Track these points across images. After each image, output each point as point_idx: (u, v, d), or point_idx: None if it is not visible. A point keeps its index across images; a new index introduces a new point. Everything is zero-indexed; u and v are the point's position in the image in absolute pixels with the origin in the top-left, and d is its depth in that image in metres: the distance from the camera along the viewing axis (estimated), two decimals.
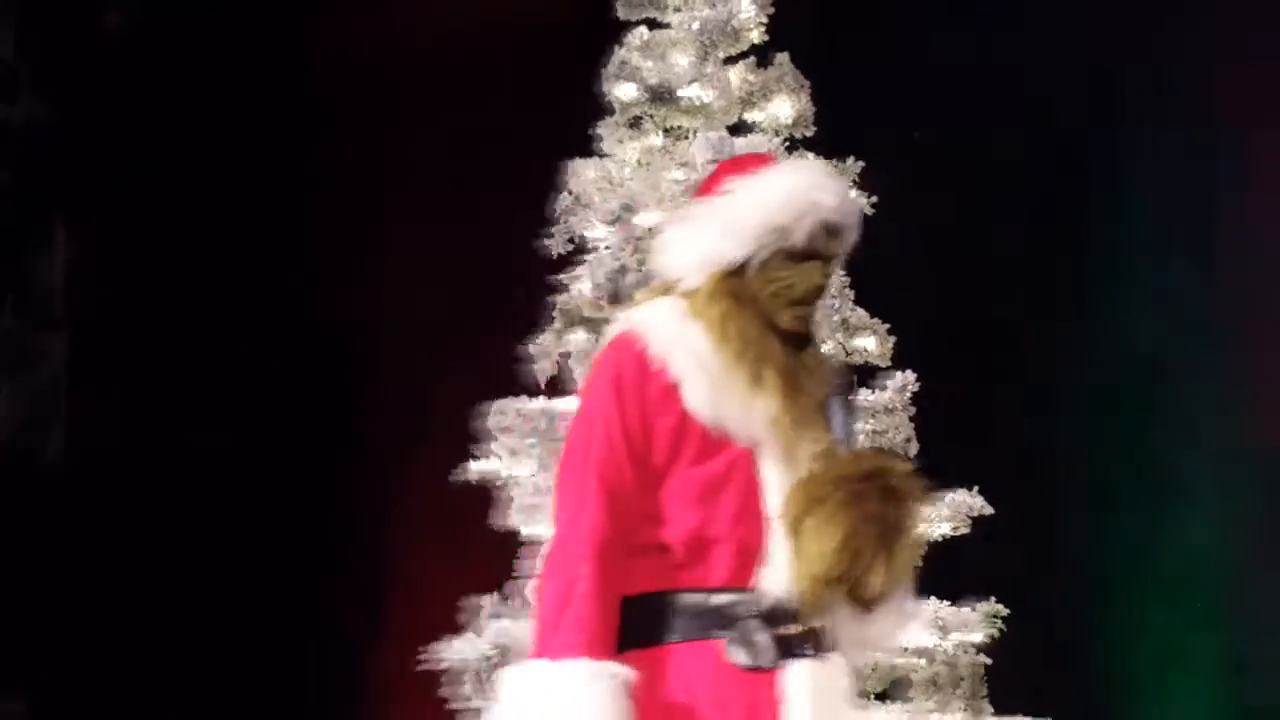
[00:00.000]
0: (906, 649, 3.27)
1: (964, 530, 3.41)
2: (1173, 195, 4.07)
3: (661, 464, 2.30)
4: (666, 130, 3.83)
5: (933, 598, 3.34)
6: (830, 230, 2.35)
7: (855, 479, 2.26)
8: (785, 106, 3.82)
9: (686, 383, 2.28)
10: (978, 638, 3.35)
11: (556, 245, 3.81)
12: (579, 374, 3.72)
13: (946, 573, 3.17)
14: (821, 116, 3.82)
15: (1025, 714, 3.33)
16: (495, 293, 4.32)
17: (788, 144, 3.81)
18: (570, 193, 3.79)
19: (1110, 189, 4.24)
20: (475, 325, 4.38)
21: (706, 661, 2.28)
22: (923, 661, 3.32)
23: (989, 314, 4.20)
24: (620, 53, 3.80)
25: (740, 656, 2.29)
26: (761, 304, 2.32)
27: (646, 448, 2.29)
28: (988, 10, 4.30)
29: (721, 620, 2.30)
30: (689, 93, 3.78)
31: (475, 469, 3.77)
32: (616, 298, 3.73)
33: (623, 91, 3.81)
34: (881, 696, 3.36)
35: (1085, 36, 4.26)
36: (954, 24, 4.34)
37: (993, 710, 3.38)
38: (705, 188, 2.43)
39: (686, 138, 3.81)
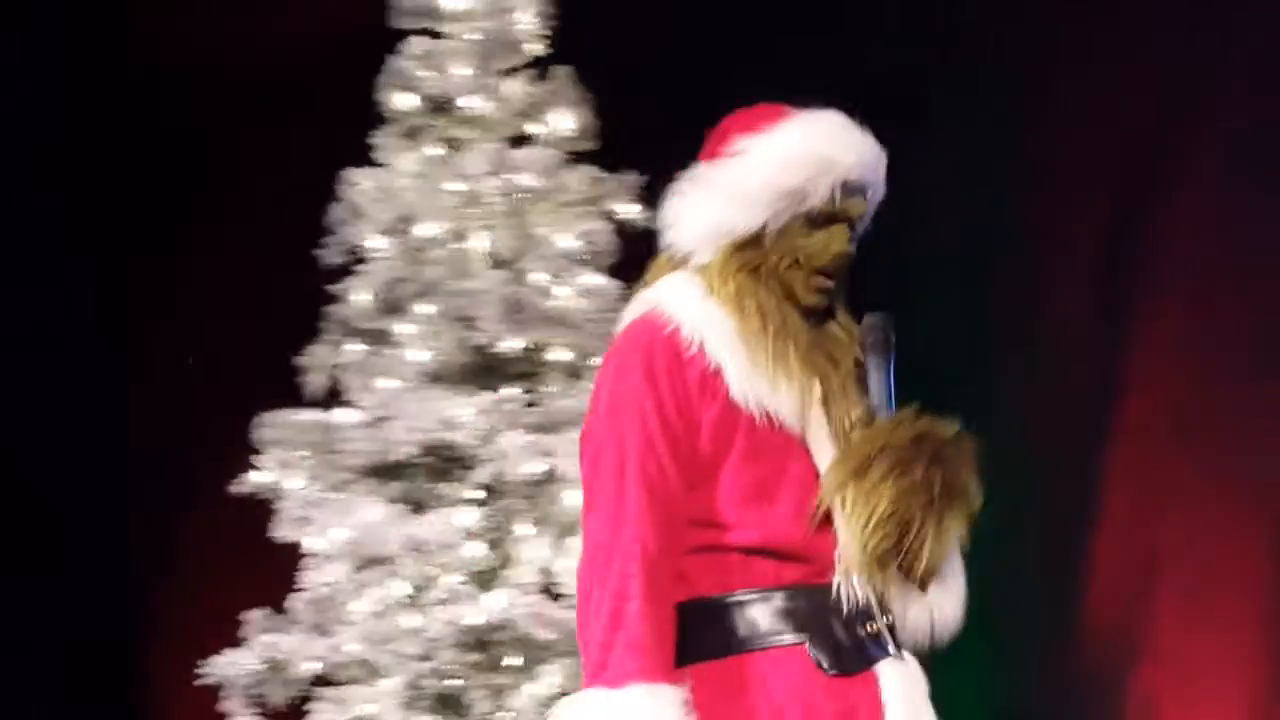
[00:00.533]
0: None
1: None
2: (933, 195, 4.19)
3: (708, 460, 2.08)
4: (445, 141, 3.83)
5: None
6: (851, 189, 2.13)
7: (898, 445, 2.07)
8: (566, 119, 3.84)
9: (728, 368, 2.06)
10: None
11: (333, 255, 3.78)
12: (354, 386, 3.72)
13: None
14: (606, 130, 3.85)
15: None
16: (274, 301, 4.29)
17: (570, 158, 3.84)
18: (347, 203, 3.77)
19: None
20: (255, 334, 4.34)
21: (788, 669, 2.08)
22: None
23: None
24: (398, 62, 3.79)
25: (833, 661, 2.09)
26: (780, 277, 2.11)
27: (691, 441, 2.06)
28: (780, 19, 4.36)
29: (797, 622, 2.09)
30: (468, 104, 3.77)
31: (251, 480, 3.73)
32: (392, 309, 3.72)
33: (400, 101, 3.79)
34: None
35: (869, 47, 4.34)
36: (748, 33, 4.41)
37: None
38: (712, 149, 2.18)
39: (465, 149, 3.82)
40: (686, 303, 2.08)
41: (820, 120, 2.15)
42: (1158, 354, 3.98)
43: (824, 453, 2.08)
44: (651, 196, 3.63)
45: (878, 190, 2.14)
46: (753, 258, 2.07)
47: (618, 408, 2.05)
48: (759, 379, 2.05)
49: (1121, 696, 3.90)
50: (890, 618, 2.09)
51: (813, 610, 2.06)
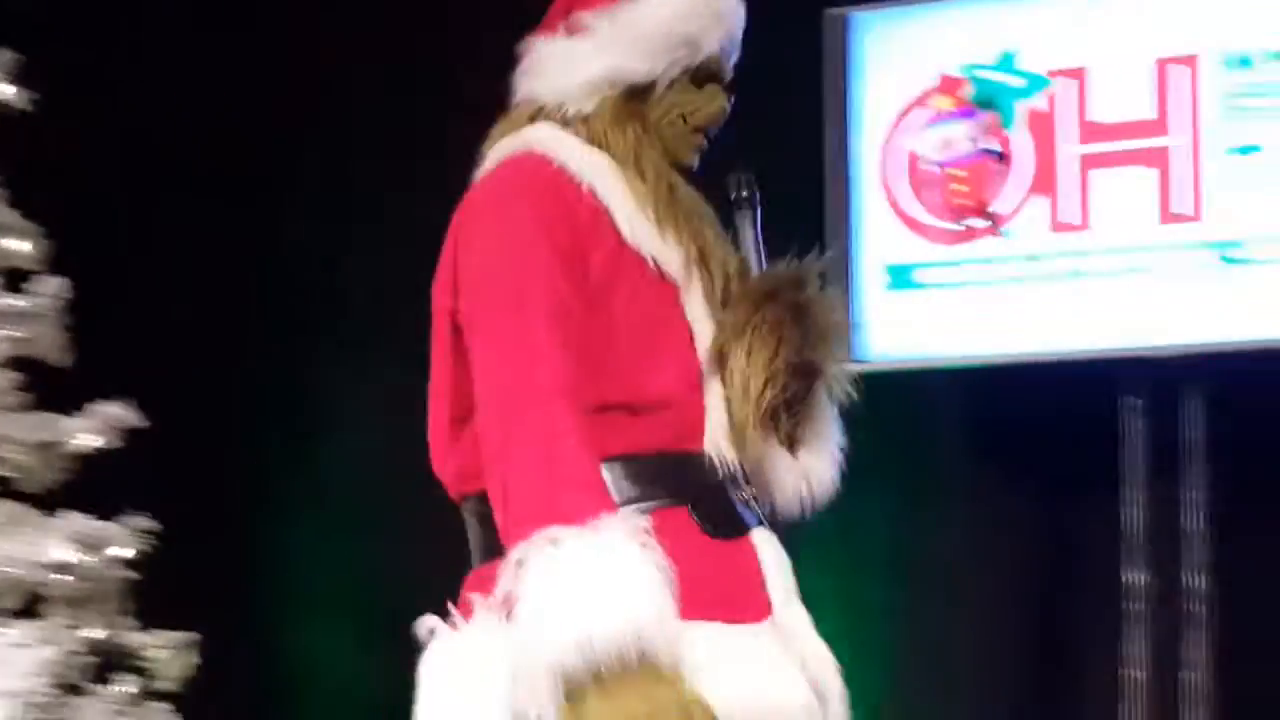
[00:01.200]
0: (45, 565, 3.24)
1: (116, 443, 3.40)
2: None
3: (601, 306, 2.03)
4: None
5: (76, 513, 3.30)
6: (727, 49, 2.14)
7: (769, 300, 2.06)
8: None
9: (618, 211, 2.02)
10: (127, 553, 3.35)
11: None
12: None
13: (96, 487, 3.24)
14: None
15: (181, 628, 3.36)
16: None
17: None
18: None
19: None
20: None
21: (679, 529, 2.03)
22: (65, 577, 3.29)
23: (161, 221, 4.11)
24: None
25: (712, 526, 2.05)
26: (663, 133, 2.08)
27: (585, 282, 2.01)
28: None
29: (683, 487, 2.05)
30: None
31: None
32: None
33: None
34: (19, 614, 3.34)
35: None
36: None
37: (141, 625, 3.44)
38: None
39: None
40: (567, 144, 2.00)
41: None
42: None
43: (698, 309, 2.02)
44: (30, 76, 3.45)
45: (737, 53, 2.13)
46: (641, 110, 2.02)
47: (506, 242, 1.95)
48: (648, 228, 1.98)
49: None
50: (753, 489, 2.07)
51: (691, 474, 2.00)
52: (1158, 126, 3.12)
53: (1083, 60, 3.22)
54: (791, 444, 2.11)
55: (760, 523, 2.07)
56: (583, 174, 1.98)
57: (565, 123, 2.03)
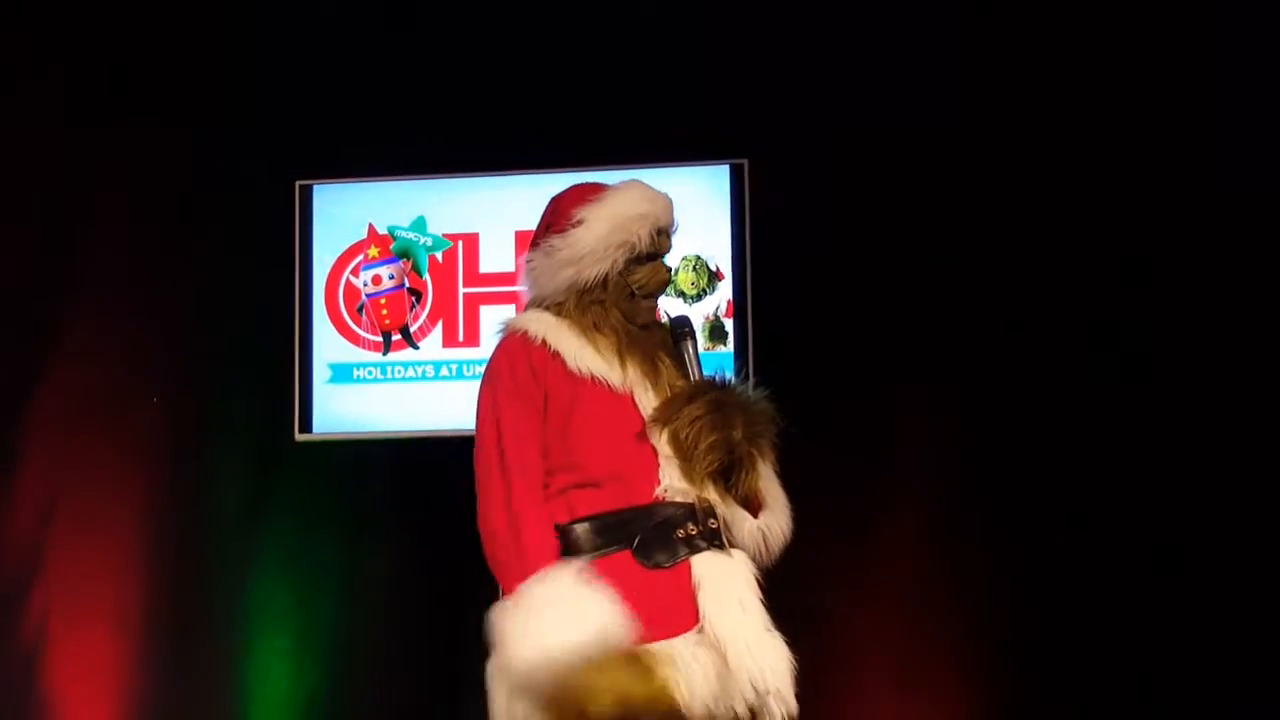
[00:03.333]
0: None
1: None
2: None
3: (559, 417, 2.62)
4: None
5: None
6: (662, 232, 2.72)
7: (706, 392, 2.64)
8: None
9: (565, 350, 2.64)
10: None
11: None
12: None
13: None
14: None
15: None
16: None
17: None
18: None
19: None
20: None
21: (623, 568, 2.57)
22: None
23: None
24: None
25: (647, 559, 2.60)
26: (621, 307, 2.69)
27: (542, 406, 2.62)
28: None
29: (628, 534, 2.60)
30: None
31: None
32: None
33: None
34: None
35: None
36: None
37: None
38: (551, 224, 2.74)
39: None
40: (538, 320, 2.70)
41: (632, 184, 2.76)
42: None
43: (649, 409, 2.65)
44: None
45: (674, 229, 2.75)
46: (600, 294, 2.68)
47: (485, 395, 2.66)
48: (595, 357, 2.65)
49: None
50: (713, 522, 2.62)
51: (634, 524, 2.61)
52: (515, 278, 3.86)
53: (473, 227, 4.03)
54: (753, 507, 2.68)
55: (705, 549, 2.61)
56: (539, 334, 2.67)
57: (550, 309, 2.72)
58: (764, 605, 2.61)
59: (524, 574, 2.54)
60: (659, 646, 2.51)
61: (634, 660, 2.46)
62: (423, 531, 3.94)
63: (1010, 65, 3.96)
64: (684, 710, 2.50)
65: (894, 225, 3.92)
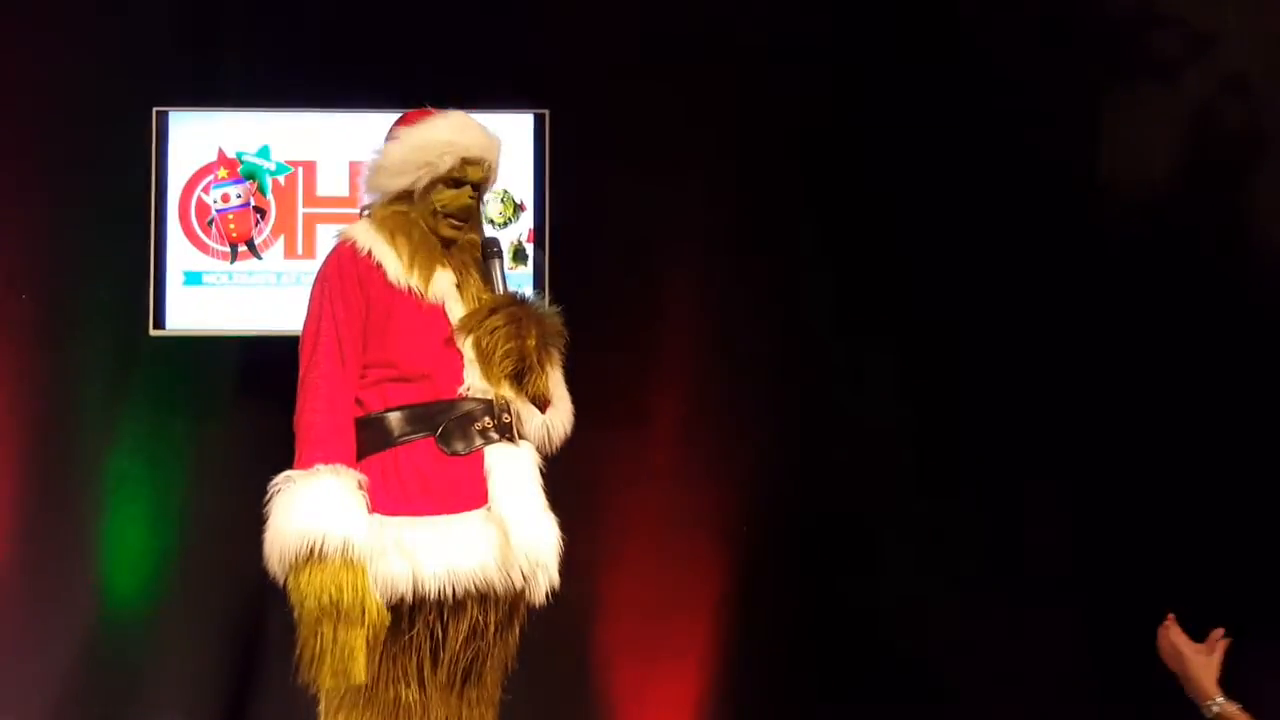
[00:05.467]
0: None
1: None
2: None
3: (376, 322, 2.82)
4: None
5: None
6: (470, 162, 2.91)
7: (506, 305, 2.88)
8: None
9: (386, 262, 2.86)
10: None
11: None
12: None
13: None
14: None
15: None
16: None
17: None
18: None
19: None
20: None
21: (426, 453, 2.80)
22: None
23: None
24: None
25: (448, 446, 2.81)
26: (428, 221, 2.91)
27: (364, 309, 2.82)
28: None
29: (433, 423, 2.81)
30: None
31: None
32: None
33: None
34: None
35: None
36: None
37: None
38: (384, 140, 2.96)
39: None
40: (364, 231, 2.94)
41: (448, 116, 2.97)
42: None
43: (457, 313, 2.91)
44: None
45: (492, 165, 2.97)
46: (406, 207, 2.91)
47: (315, 295, 2.91)
48: (413, 274, 2.88)
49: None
50: (507, 417, 2.85)
51: (443, 415, 2.84)
52: (350, 201, 4.28)
53: (311, 156, 4.39)
54: (541, 404, 2.94)
55: (498, 440, 2.83)
56: (366, 244, 2.90)
57: (375, 221, 2.95)
58: (543, 489, 2.92)
59: (302, 461, 2.79)
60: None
61: (348, 569, 2.69)
62: (260, 416, 4.04)
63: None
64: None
65: (666, 165, 4.48)
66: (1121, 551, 4.31)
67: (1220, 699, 2.90)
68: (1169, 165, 4.34)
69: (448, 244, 2.95)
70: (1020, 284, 4.48)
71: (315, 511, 2.72)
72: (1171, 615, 3.05)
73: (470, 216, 2.99)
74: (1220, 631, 3.00)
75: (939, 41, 4.51)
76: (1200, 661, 2.96)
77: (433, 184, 2.93)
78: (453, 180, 2.94)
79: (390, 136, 2.96)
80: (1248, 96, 4.37)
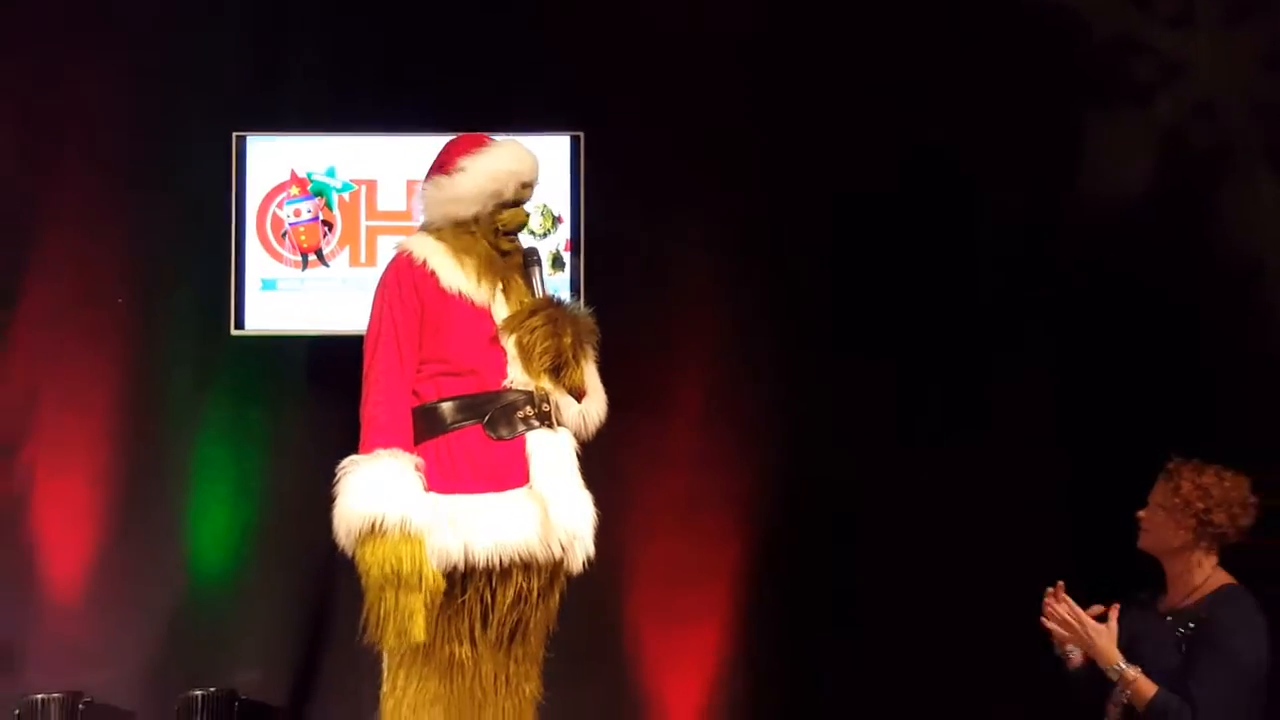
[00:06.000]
0: None
1: None
2: None
3: (432, 321, 3.03)
4: None
5: None
6: (525, 185, 3.16)
7: (545, 308, 3.08)
8: None
9: (440, 270, 3.06)
10: None
11: None
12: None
13: None
14: None
15: None
16: None
17: None
18: None
19: None
20: None
21: (475, 438, 3.00)
22: None
23: None
24: None
25: (494, 432, 3.02)
26: (489, 239, 3.12)
27: (419, 311, 3.02)
28: None
29: (481, 412, 3.00)
30: None
31: None
32: None
33: None
34: None
35: None
36: None
37: None
38: (442, 165, 3.13)
39: None
40: (420, 243, 3.15)
41: (509, 145, 3.18)
42: None
43: (501, 319, 3.11)
44: None
45: (538, 182, 3.20)
46: (470, 226, 3.13)
47: (376, 301, 3.12)
48: (462, 277, 3.07)
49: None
50: (546, 407, 3.02)
51: (486, 405, 3.03)
52: (407, 215, 4.55)
53: (373, 175, 4.69)
54: (577, 395, 3.14)
55: (539, 428, 3.02)
56: (421, 254, 3.11)
57: (432, 233, 3.15)
58: (579, 471, 3.13)
59: (365, 447, 2.99)
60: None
61: (407, 541, 2.88)
62: (328, 407, 4.27)
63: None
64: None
65: (683, 190, 4.83)
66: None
67: (1122, 663, 3.24)
68: (1142, 181, 4.62)
69: (504, 254, 3.19)
70: (1008, 287, 4.79)
71: (377, 491, 2.93)
72: (1061, 584, 3.36)
73: (521, 230, 3.26)
74: (1101, 608, 3.27)
75: (938, 67, 4.82)
76: (1103, 630, 3.26)
77: (497, 208, 3.18)
78: (512, 203, 3.19)
79: (452, 165, 3.16)
80: (1214, 120, 4.65)
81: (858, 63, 4.77)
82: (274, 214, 4.72)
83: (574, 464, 3.12)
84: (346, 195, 4.72)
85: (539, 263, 3.22)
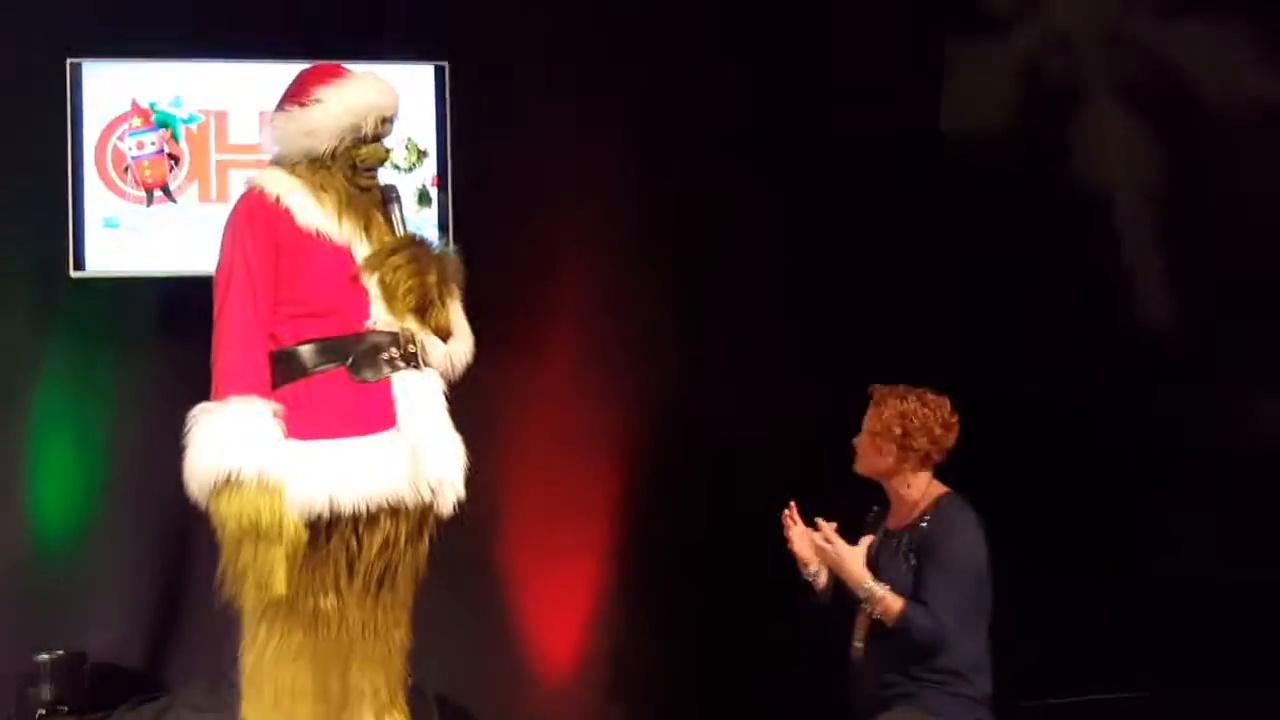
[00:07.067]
0: None
1: None
2: None
3: (288, 261, 2.94)
4: None
5: None
6: (385, 120, 3.07)
7: (407, 245, 3.02)
8: None
9: (295, 207, 2.97)
10: None
11: None
12: None
13: None
14: None
15: None
16: None
17: None
18: None
19: None
20: None
21: (338, 382, 2.94)
22: None
23: None
24: None
25: (357, 374, 2.95)
26: (345, 174, 3.03)
27: (274, 250, 2.94)
28: None
29: (343, 355, 2.94)
30: None
31: None
32: None
33: None
34: None
35: None
36: None
37: None
38: (296, 94, 3.02)
39: None
40: (273, 178, 3.05)
41: (369, 77, 3.09)
42: None
43: (362, 254, 3.04)
44: None
45: (399, 117, 3.12)
46: (324, 162, 3.04)
47: (226, 239, 3.03)
48: (320, 215, 2.99)
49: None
50: (412, 348, 2.97)
51: (348, 348, 2.97)
52: (259, 149, 4.23)
53: (223, 105, 4.57)
54: (443, 335, 3.06)
55: (404, 369, 2.94)
56: (275, 191, 3.00)
57: (285, 168, 3.05)
58: (447, 412, 3.07)
59: (218, 394, 2.91)
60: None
61: (265, 492, 2.82)
62: (178, 353, 4.08)
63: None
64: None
65: (559, 113, 4.77)
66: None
67: (871, 581, 3.37)
68: (1002, 113, 4.69)
69: (363, 191, 3.12)
70: (877, 222, 4.87)
71: (230, 440, 2.86)
72: (793, 505, 3.49)
73: (380, 166, 3.18)
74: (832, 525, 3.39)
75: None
76: (855, 551, 3.40)
77: (355, 143, 3.09)
78: (371, 137, 3.11)
79: (307, 96, 3.07)
80: (1070, 51, 4.73)
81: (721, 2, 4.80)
82: (115, 147, 4.57)
83: (442, 405, 3.06)
84: (194, 127, 4.61)
85: (399, 200, 3.16)
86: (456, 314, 3.15)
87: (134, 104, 4.59)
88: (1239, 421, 4.36)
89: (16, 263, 4.62)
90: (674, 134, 4.84)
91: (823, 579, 3.56)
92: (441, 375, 3.12)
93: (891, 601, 3.39)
